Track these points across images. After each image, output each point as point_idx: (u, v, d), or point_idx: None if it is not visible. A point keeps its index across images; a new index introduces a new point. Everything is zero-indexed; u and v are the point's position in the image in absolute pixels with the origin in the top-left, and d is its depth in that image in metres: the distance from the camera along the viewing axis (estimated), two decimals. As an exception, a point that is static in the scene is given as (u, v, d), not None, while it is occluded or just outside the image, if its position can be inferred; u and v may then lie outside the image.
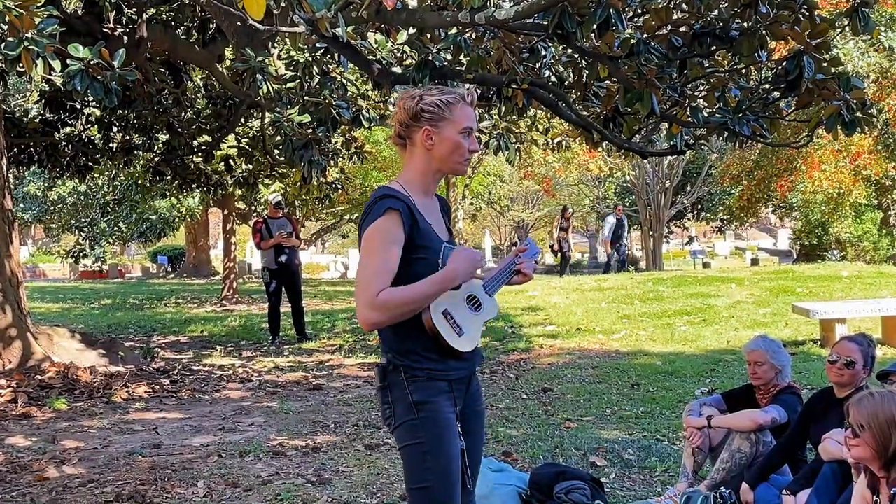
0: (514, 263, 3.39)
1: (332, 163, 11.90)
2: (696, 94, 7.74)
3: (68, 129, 13.04)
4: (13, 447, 7.09)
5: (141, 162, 15.48)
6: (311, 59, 8.21)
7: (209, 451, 6.89)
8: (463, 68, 7.75)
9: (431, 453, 3.10)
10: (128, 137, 13.27)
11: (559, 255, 25.38)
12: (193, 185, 15.52)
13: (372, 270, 3.02)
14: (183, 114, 13.03)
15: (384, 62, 8.20)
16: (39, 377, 9.50)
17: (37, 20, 5.61)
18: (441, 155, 3.18)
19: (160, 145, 13.94)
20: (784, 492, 4.59)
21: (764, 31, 6.42)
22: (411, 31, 7.72)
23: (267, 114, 11.35)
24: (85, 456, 6.80)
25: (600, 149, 13.92)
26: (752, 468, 5.10)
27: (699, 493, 4.93)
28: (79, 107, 12.41)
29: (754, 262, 32.70)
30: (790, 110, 7.55)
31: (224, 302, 21.18)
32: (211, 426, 7.85)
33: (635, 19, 7.44)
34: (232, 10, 7.31)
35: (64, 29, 5.98)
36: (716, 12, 6.76)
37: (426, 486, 3.11)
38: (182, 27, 11.22)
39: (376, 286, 2.99)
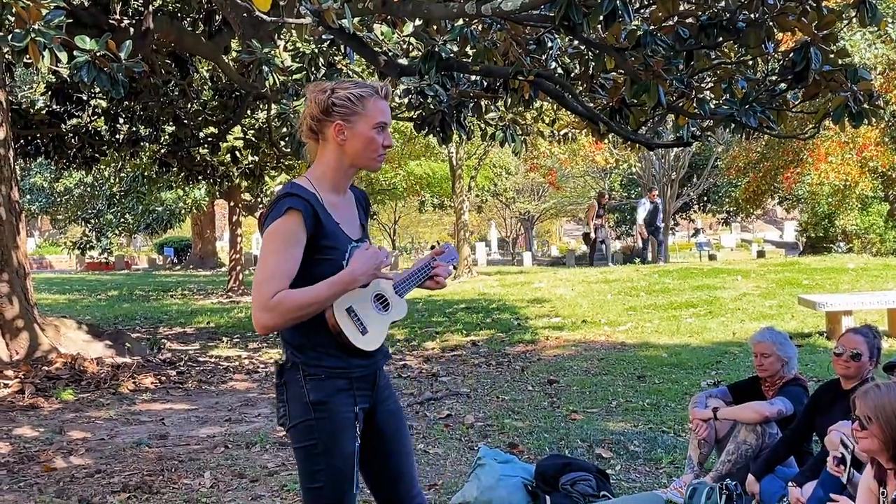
0: (430, 267, 3.29)
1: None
2: (702, 85, 7.73)
3: (75, 120, 13.05)
4: (21, 438, 7.11)
5: (147, 153, 15.49)
6: (317, 50, 8.22)
7: (216, 441, 6.91)
8: (469, 60, 7.74)
9: (325, 454, 3.03)
10: (134, 129, 13.28)
11: (592, 242, 24.63)
12: (200, 177, 15.54)
13: (268, 272, 2.93)
14: (189, 105, 13.04)
15: (390, 54, 8.20)
16: (46, 368, 9.53)
17: (43, 11, 5.61)
18: (354, 150, 3.08)
19: (166, 137, 13.95)
20: (790, 483, 4.59)
21: (771, 23, 6.40)
22: (417, 22, 7.71)
23: (273, 105, 11.33)
24: (92, 446, 6.82)
25: (606, 140, 13.93)
26: (757, 460, 5.10)
27: (705, 484, 4.93)
28: (85, 98, 12.42)
29: (760, 254, 32.61)
30: (797, 102, 7.54)
31: (230, 293, 21.21)
32: (217, 417, 7.87)
33: (642, 10, 7.43)
34: (238, 1, 7.31)
35: (71, 20, 5.99)
36: (723, 3, 6.75)
37: (318, 487, 3.05)
38: (188, 18, 11.23)
39: (271, 288, 2.91)
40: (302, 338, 3.04)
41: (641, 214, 24.00)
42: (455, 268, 3.41)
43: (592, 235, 24.53)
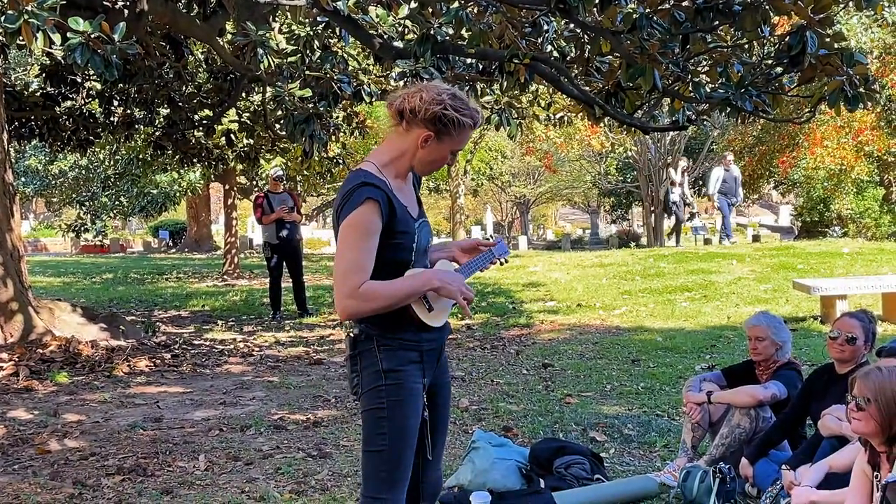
0: (492, 257, 3.49)
1: (333, 138, 11.86)
2: (698, 69, 7.71)
3: (69, 102, 12.99)
4: (15, 420, 7.11)
5: (142, 136, 15.43)
6: (312, 33, 8.18)
7: (210, 424, 6.92)
8: (465, 43, 7.72)
9: (390, 419, 3.14)
10: (129, 111, 13.23)
11: (675, 216, 21.56)
12: (194, 160, 15.50)
13: (352, 262, 3.05)
14: (184, 88, 12.99)
15: (385, 36, 8.17)
16: (41, 351, 9.52)
17: (37, -7, 5.58)
18: (423, 159, 3.18)
19: (161, 119, 13.90)
20: (783, 467, 4.60)
21: (767, 6, 6.38)
22: (413, 4, 7.69)
23: (268, 88, 11.32)
24: (86, 429, 6.82)
25: (602, 124, 13.90)
26: (751, 444, 5.11)
27: (698, 468, 4.94)
28: (79, 80, 12.37)
29: (755, 238, 32.64)
30: (793, 86, 7.53)
31: (225, 277, 21.20)
32: (212, 400, 7.88)
33: (638, -7, 7.40)
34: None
35: (64, 2, 5.94)
36: (719, -14, 6.72)
37: (380, 451, 3.16)
38: (183, 0, 11.17)
39: (358, 279, 3.03)
40: (375, 314, 3.14)
41: (714, 184, 20.46)
42: (506, 261, 3.56)
43: (684, 207, 21.13)
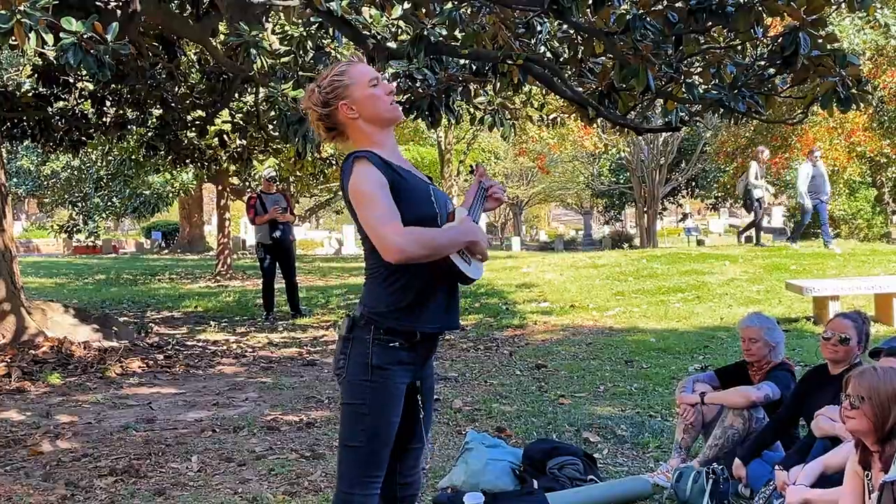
0: (483, 188, 3.42)
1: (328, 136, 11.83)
2: (691, 70, 7.71)
3: (61, 103, 12.96)
4: (7, 421, 7.09)
5: (134, 137, 15.41)
6: (305, 33, 8.17)
7: (203, 425, 6.91)
8: (458, 44, 7.71)
9: (371, 417, 3.13)
10: (121, 112, 13.19)
11: (754, 212, 19.21)
12: (187, 161, 15.46)
13: (380, 210, 3.03)
14: (176, 88, 12.96)
15: (379, 37, 8.16)
16: (33, 352, 9.50)
17: (29, -7, 5.56)
18: (369, 115, 3.20)
19: (154, 120, 13.86)
20: (777, 467, 4.61)
21: (760, 7, 6.38)
22: (406, 5, 7.67)
23: (261, 89, 11.28)
24: (79, 430, 6.80)
25: (595, 125, 13.91)
26: (744, 444, 5.12)
27: (692, 468, 4.95)
28: (72, 81, 12.34)
29: (748, 239, 32.72)
30: (786, 87, 7.53)
31: (218, 277, 21.18)
32: (205, 401, 7.86)
33: (631, -6, 7.40)
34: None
35: (57, 2, 5.92)
36: (712, -12, 6.72)
37: (356, 447, 3.15)
38: (175, 1, 11.15)
39: (395, 221, 3.01)
40: (382, 293, 3.14)
41: (804, 182, 18.24)
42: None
43: (757, 202, 18.86)
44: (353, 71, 3.21)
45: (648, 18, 6.46)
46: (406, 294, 3.11)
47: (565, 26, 7.73)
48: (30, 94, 12.53)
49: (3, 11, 5.52)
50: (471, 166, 3.88)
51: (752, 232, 19.79)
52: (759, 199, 18.38)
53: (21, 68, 21.69)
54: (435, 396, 7.57)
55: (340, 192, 3.28)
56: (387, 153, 3.19)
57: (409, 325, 3.12)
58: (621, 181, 39.57)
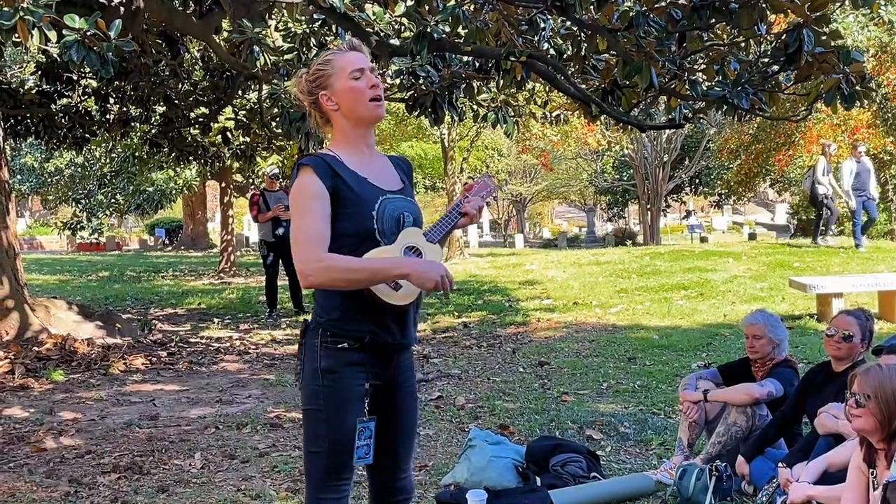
0: (460, 205, 3.27)
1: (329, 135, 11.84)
2: (695, 67, 7.70)
3: (65, 100, 12.97)
4: (10, 418, 7.10)
5: (138, 134, 15.42)
6: (308, 30, 8.17)
7: (206, 422, 6.91)
8: (461, 40, 7.71)
9: (328, 422, 3.08)
10: (124, 109, 13.20)
11: (824, 208, 17.88)
12: (190, 158, 15.47)
13: (305, 233, 2.97)
14: (180, 86, 12.96)
15: (382, 34, 8.15)
16: (37, 349, 9.51)
17: (32, -10, 5.56)
18: (347, 108, 3.13)
19: (157, 117, 13.87)
20: (780, 464, 4.60)
21: (763, 4, 6.37)
22: (409, 2, 7.67)
23: (264, 86, 11.28)
24: (82, 427, 6.81)
25: (598, 122, 13.89)
26: (747, 442, 5.11)
27: (695, 466, 4.95)
28: (75, 78, 12.35)
29: (752, 236, 32.67)
30: (789, 84, 7.52)
31: (221, 274, 21.19)
32: (208, 398, 7.87)
33: (634, -9, 7.38)
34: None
35: (59, -1, 5.93)
36: (715, -16, 6.71)
37: (318, 452, 3.11)
38: (178, -2, 11.14)
39: (315, 244, 2.95)
40: (328, 297, 3.08)
41: (848, 179, 17.31)
42: (495, 198, 3.37)
43: (825, 199, 17.56)
44: (338, 61, 3.14)
45: (652, 15, 6.46)
46: (350, 300, 3.04)
47: (568, 23, 7.72)
48: (33, 92, 12.54)
49: (6, 8, 5.52)
50: (467, 180, 3.61)
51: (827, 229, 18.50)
52: (824, 195, 17.54)
53: (25, 65, 21.71)
54: (437, 394, 7.62)
55: None
56: (353, 155, 3.13)
57: (353, 328, 3.06)
58: (624, 178, 39.53)
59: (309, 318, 3.19)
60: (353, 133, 3.17)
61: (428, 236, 3.17)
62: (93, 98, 12.98)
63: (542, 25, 7.72)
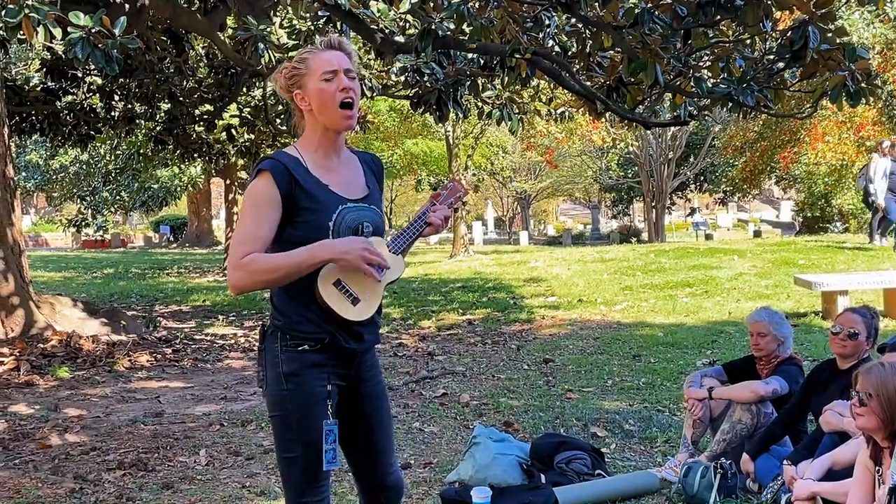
0: (426, 214, 3.18)
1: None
2: (700, 64, 7.70)
3: (70, 97, 12.99)
4: (16, 415, 7.11)
5: (143, 131, 15.45)
6: (313, 27, 8.17)
7: (211, 419, 6.92)
8: (466, 37, 7.70)
9: (297, 426, 3.04)
10: (129, 106, 13.23)
11: (876, 207, 16.81)
12: (195, 155, 15.52)
13: (241, 235, 2.94)
14: (185, 83, 12.99)
15: (387, 31, 8.16)
16: (42, 346, 9.52)
17: (37, -13, 5.57)
18: (318, 110, 3.05)
19: (162, 114, 13.90)
20: (785, 462, 4.60)
21: (769, 1, 6.36)
22: (414, -1, 7.67)
23: (269, 83, 11.29)
24: (87, 424, 6.82)
25: (603, 119, 13.88)
26: (752, 439, 5.11)
27: (700, 463, 4.94)
28: (80, 75, 12.37)
29: (757, 233, 32.65)
30: (795, 81, 7.51)
31: (226, 272, 21.21)
32: (213, 395, 7.88)
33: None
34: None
35: (65, -4, 5.94)
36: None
37: (291, 457, 3.07)
38: (183, -5, 11.15)
39: (243, 249, 2.91)
40: (285, 301, 3.04)
41: (881, 178, 16.32)
42: (464, 203, 3.23)
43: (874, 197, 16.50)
44: (313, 60, 3.06)
45: (657, 12, 6.45)
46: (304, 305, 3.01)
47: (573, 20, 7.71)
48: (38, 89, 12.57)
49: (11, 6, 5.53)
50: (436, 186, 3.50)
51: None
52: (875, 192, 16.47)
53: (30, 62, 21.73)
54: (442, 391, 7.62)
55: None
56: (319, 158, 3.08)
57: (311, 331, 3.01)
58: (629, 175, 39.52)
59: (267, 322, 3.12)
60: (320, 134, 3.09)
61: (391, 247, 3.11)
62: (98, 95, 13.00)
63: (547, 22, 7.71)
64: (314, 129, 3.09)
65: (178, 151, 14.90)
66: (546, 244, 36.77)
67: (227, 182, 22.65)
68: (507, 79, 8.17)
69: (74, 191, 31.27)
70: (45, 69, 12.34)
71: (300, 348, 3.03)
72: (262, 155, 17.59)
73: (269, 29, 7.96)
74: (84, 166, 29.98)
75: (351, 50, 3.16)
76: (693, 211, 46.69)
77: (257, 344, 3.15)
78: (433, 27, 7.31)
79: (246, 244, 2.92)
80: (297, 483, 3.11)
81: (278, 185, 2.94)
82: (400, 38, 8.41)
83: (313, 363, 3.04)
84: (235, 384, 8.32)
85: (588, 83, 8.37)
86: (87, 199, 30.62)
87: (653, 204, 32.99)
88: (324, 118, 3.05)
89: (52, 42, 5.88)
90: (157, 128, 14.04)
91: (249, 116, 14.56)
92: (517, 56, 7.33)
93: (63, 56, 10.91)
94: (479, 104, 9.62)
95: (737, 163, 30.67)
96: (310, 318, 3.01)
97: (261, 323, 3.14)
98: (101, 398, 7.78)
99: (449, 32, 7.65)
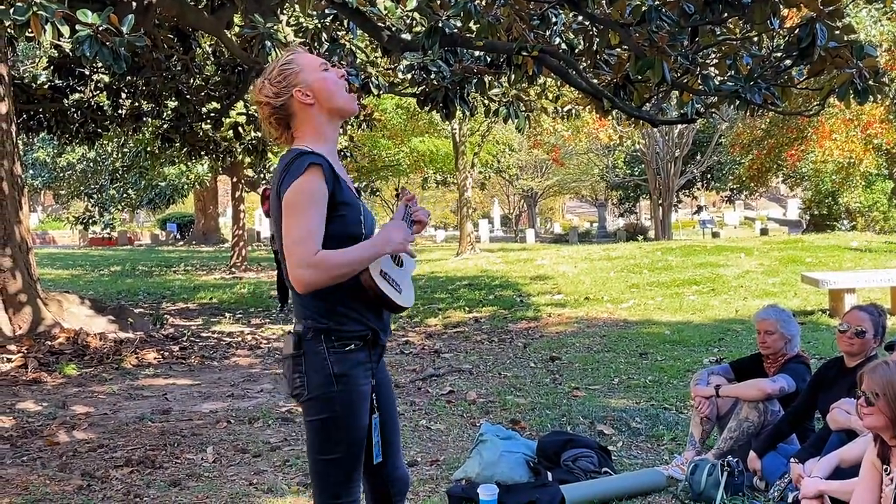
0: (408, 213, 3.24)
1: (340, 130, 11.86)
2: (707, 61, 7.69)
3: (77, 95, 13.02)
4: (24, 412, 7.13)
5: (150, 129, 15.46)
6: (320, 25, 8.18)
7: (218, 417, 6.93)
8: (472, 35, 7.70)
9: (345, 427, 3.03)
10: (136, 104, 13.25)
11: None
12: (202, 153, 15.52)
13: (304, 230, 2.90)
14: (192, 80, 13.00)
15: (394, 29, 8.16)
16: (49, 343, 9.54)
17: (45, -15, 5.58)
18: (324, 97, 3.06)
19: (169, 112, 13.91)
20: (792, 460, 4.60)
21: (777, -1, 6.36)
22: (421, -3, 7.67)
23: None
24: (95, 421, 6.83)
25: (610, 117, 13.87)
26: (759, 437, 5.10)
27: (706, 461, 4.94)
28: (87, 73, 12.39)
29: (764, 231, 32.61)
30: (802, 78, 7.50)
31: (233, 269, 21.23)
32: (220, 392, 7.89)
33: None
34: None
35: (72, -6, 5.95)
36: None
37: (335, 458, 3.05)
38: (191, -7, 11.16)
39: (311, 246, 2.89)
40: (331, 302, 3.02)
41: None
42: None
43: None
44: (301, 59, 3.09)
45: (664, 10, 6.44)
46: (349, 298, 3.01)
47: (580, 18, 7.71)
48: (46, 87, 12.59)
49: (19, 3, 5.54)
50: (396, 189, 3.64)
51: None
52: None
53: (37, 60, 21.77)
54: (449, 388, 7.63)
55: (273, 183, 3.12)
56: (330, 155, 3.08)
57: (359, 328, 3.02)
58: (636, 173, 39.49)
59: (298, 328, 3.07)
60: (328, 128, 3.11)
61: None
62: (105, 93, 13.02)
63: (554, 20, 7.71)
64: (319, 125, 3.09)
65: (184, 149, 14.91)
66: (552, 242, 36.75)
67: (234, 180, 22.68)
68: (513, 76, 8.16)
69: (82, 188, 31.32)
70: (52, 67, 12.36)
71: (347, 348, 3.02)
72: (268, 154, 17.63)
73: (276, 27, 7.96)
74: (91, 164, 30.04)
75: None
76: (700, 209, 46.62)
77: (290, 351, 3.07)
78: (440, 25, 7.31)
79: (312, 240, 2.91)
80: (335, 483, 3.08)
81: (326, 180, 2.95)
82: (407, 36, 8.41)
83: (359, 362, 3.05)
84: (242, 382, 8.34)
85: (595, 81, 8.36)
86: (95, 196, 30.68)
87: (659, 202, 32.96)
88: (331, 104, 3.08)
89: (59, 40, 5.88)
90: (165, 125, 14.05)
91: (256, 114, 14.56)
92: (524, 54, 7.33)
93: (71, 54, 10.93)
94: (486, 102, 9.61)
95: (744, 160, 30.63)
96: (353, 317, 3.03)
97: (290, 330, 3.08)
98: (109, 395, 7.80)
99: (456, 30, 7.64)
